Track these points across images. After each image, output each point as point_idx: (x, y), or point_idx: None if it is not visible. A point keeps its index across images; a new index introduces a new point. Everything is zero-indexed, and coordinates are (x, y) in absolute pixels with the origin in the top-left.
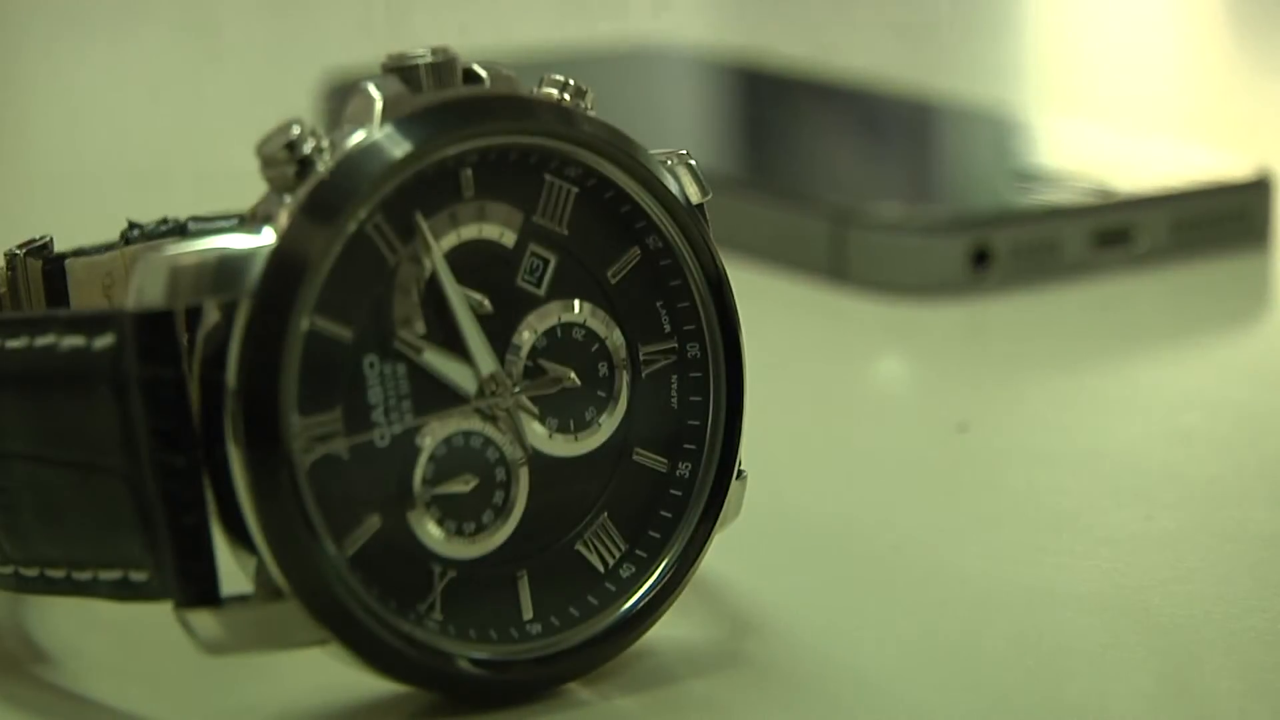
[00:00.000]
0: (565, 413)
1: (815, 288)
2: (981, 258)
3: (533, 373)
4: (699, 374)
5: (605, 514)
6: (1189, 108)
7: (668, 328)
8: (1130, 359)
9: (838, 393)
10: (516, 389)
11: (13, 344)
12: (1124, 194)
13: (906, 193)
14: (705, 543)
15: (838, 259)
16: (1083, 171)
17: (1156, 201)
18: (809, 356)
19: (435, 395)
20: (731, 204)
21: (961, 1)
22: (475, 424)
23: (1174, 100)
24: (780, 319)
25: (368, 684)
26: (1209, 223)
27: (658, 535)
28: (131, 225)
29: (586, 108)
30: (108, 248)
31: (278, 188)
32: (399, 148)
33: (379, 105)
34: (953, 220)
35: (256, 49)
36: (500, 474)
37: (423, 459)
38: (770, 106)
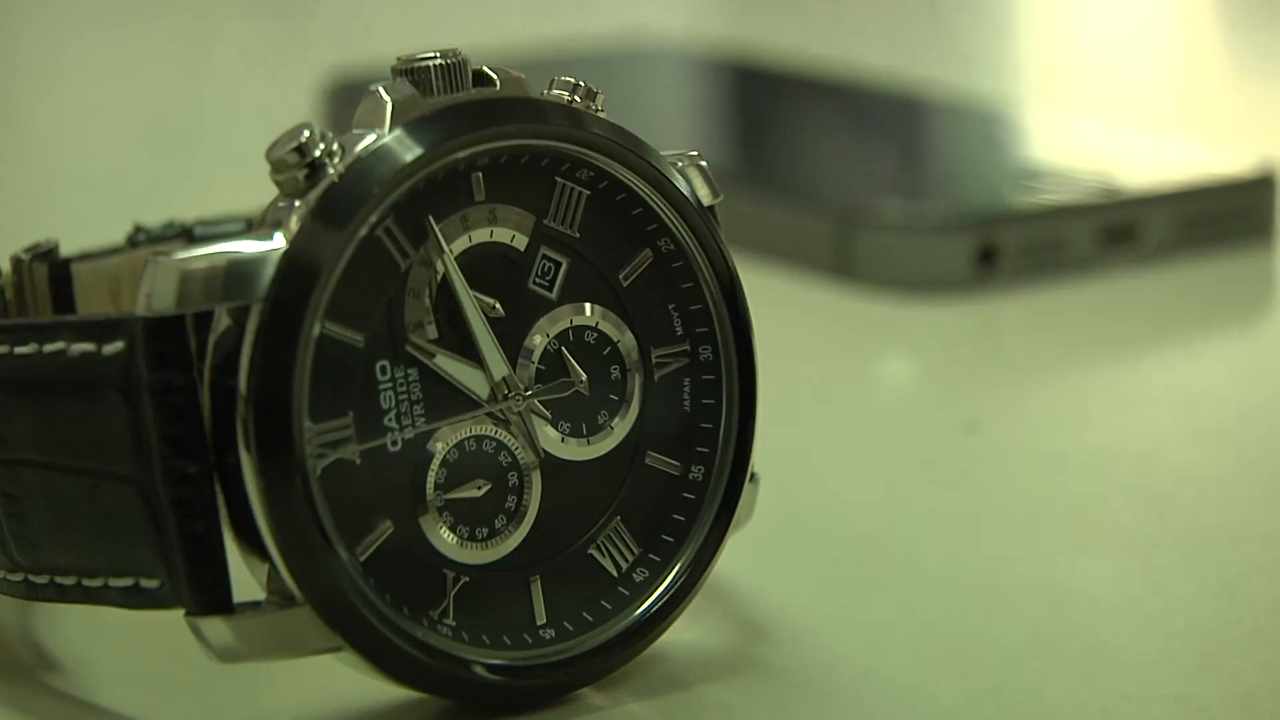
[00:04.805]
0: (577, 416)
1: (820, 287)
2: (988, 256)
3: (545, 376)
4: (711, 376)
5: (618, 518)
6: (1192, 104)
7: (680, 330)
8: (1139, 357)
9: (845, 393)
10: (529, 393)
11: (21, 350)
12: (1130, 191)
13: (912, 191)
14: (719, 546)
15: (843, 258)
16: (1088, 169)
17: (1162, 199)
18: (815, 356)
19: (447, 400)
20: (735, 203)
21: None
22: (487, 428)
23: (1177, 96)
24: (786, 319)
25: (381, 691)
26: (1215, 219)
27: (671, 539)
28: (137, 229)
29: (597, 110)
30: (114, 251)
31: (288, 192)
32: (410, 151)
33: (389, 108)
34: (959, 219)
35: (258, 49)
36: (513, 478)
37: (435, 464)
38: (771, 104)
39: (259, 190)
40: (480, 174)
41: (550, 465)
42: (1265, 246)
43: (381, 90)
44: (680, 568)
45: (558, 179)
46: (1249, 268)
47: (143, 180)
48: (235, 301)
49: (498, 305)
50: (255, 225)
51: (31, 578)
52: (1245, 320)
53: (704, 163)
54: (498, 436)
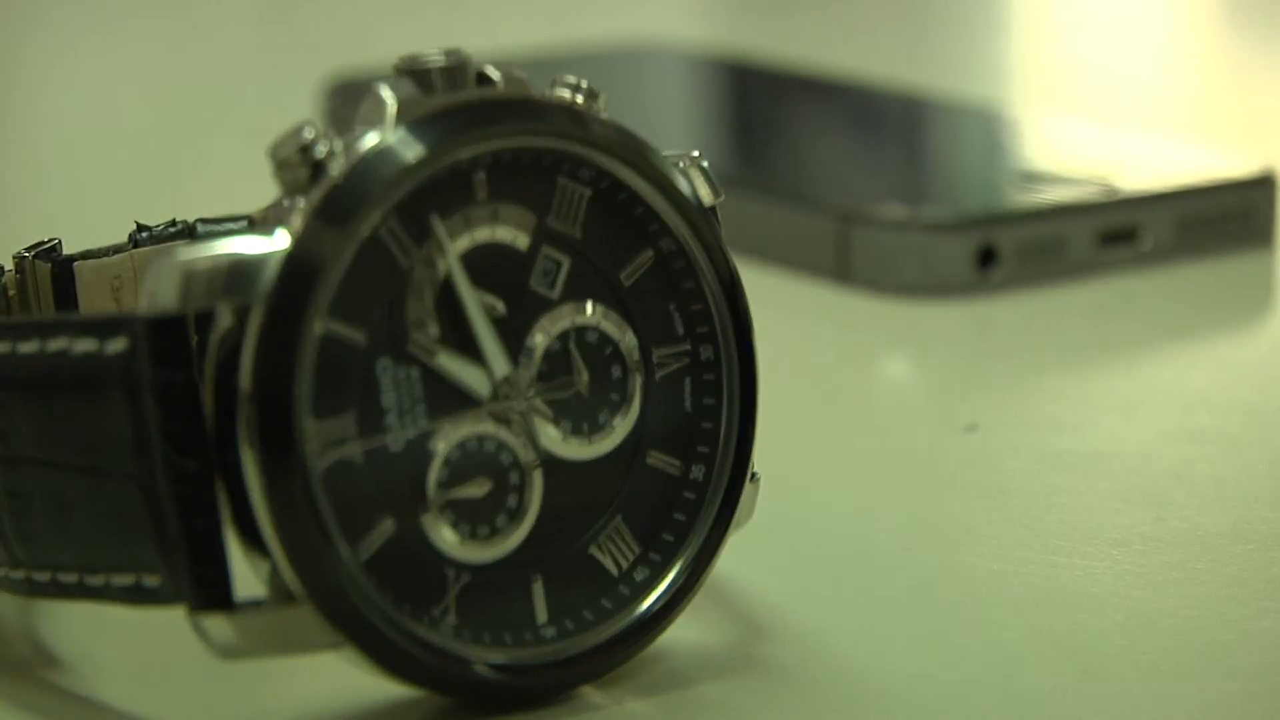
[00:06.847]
0: (579, 415)
1: (820, 288)
2: (987, 257)
3: (546, 375)
4: (712, 376)
5: (619, 517)
6: (1191, 106)
7: (681, 330)
8: (1137, 358)
9: (845, 393)
10: (530, 392)
11: (24, 348)
12: (1129, 193)
13: (911, 192)
14: (719, 545)
15: (843, 259)
16: (1087, 170)
17: (1161, 200)
18: (815, 357)
19: (449, 399)
20: (735, 204)
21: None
22: (489, 427)
23: (1176, 98)
24: (786, 320)
25: (382, 688)
26: (1214, 221)
27: (671, 538)
28: (140, 227)
29: (599, 110)
30: (116, 250)
31: (290, 190)
32: (412, 151)
33: (392, 108)
34: (958, 220)
35: (260, 49)
36: (514, 477)
37: (436, 463)
38: (771, 105)
39: (261, 189)
40: (482, 173)
41: (551, 464)
42: (1265, 248)
43: (384, 90)
44: (681, 567)
45: (560, 179)
46: (1248, 269)
47: (145, 179)
48: (237, 300)
49: (499, 304)
50: (258, 224)
51: (33, 575)
52: (1244, 322)
53: (705, 163)
54: (499, 435)
